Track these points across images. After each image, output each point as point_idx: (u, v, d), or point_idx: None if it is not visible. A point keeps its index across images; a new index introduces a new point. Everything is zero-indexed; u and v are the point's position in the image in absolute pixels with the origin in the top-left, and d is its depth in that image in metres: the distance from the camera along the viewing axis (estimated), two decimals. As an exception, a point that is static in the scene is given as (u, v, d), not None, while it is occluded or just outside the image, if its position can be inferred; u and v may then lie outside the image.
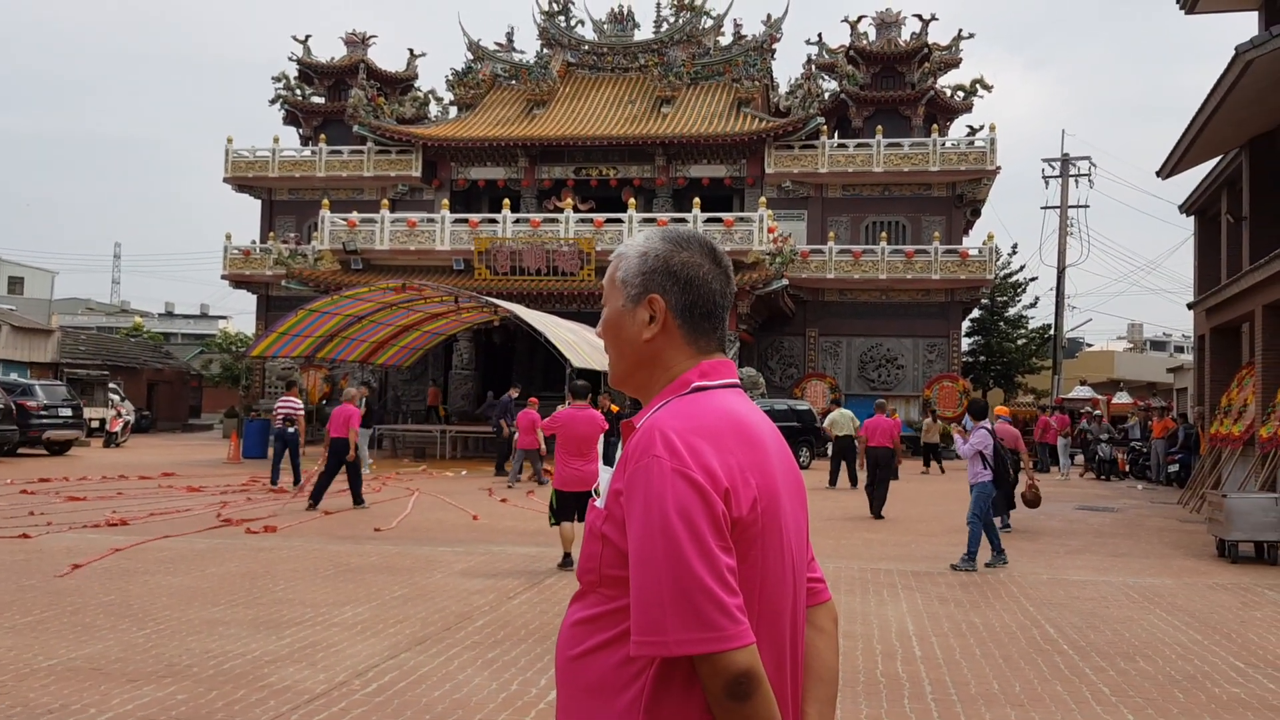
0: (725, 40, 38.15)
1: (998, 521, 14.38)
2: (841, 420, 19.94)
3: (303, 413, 18.25)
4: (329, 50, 42.66)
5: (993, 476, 10.73)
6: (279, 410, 17.91)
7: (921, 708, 5.65)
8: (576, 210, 31.50)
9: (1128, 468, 26.31)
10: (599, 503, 1.69)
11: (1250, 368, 17.90)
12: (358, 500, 15.07)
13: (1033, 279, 46.51)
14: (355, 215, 31.96)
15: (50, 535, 11.24)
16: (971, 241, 36.10)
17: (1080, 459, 29.43)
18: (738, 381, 1.79)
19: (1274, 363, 16.24)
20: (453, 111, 38.69)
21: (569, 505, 9.61)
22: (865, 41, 37.14)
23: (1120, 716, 5.55)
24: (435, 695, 5.63)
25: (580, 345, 23.15)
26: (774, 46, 36.83)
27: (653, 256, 1.79)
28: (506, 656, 6.50)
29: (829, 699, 1.82)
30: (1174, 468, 22.90)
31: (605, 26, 39.01)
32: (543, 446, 18.86)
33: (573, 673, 1.66)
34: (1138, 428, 27.16)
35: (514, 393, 23.00)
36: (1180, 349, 69.81)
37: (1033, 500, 13.50)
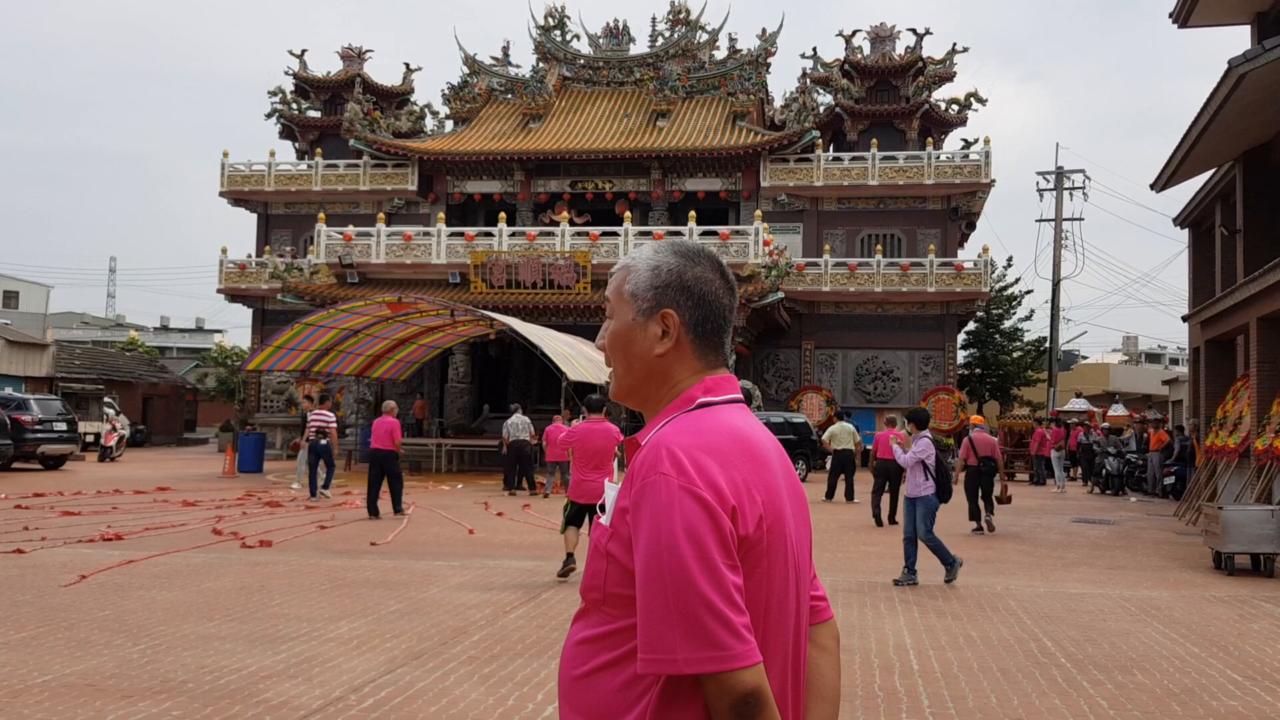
0: (720, 54, 38.27)
1: (970, 525, 15.49)
2: (841, 434, 19.89)
3: (335, 425, 18.79)
4: (325, 65, 42.95)
5: (936, 488, 10.37)
6: (313, 423, 18.49)
7: (919, 722, 5.63)
8: (572, 224, 31.52)
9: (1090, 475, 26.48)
10: (604, 520, 1.68)
11: (1245, 380, 17.93)
12: (380, 508, 15.58)
13: (1028, 292, 46.86)
14: (351, 229, 31.97)
15: (45, 550, 11.20)
16: (966, 254, 36.22)
17: (1075, 470, 29.46)
18: (741, 396, 1.78)
19: (1269, 375, 16.26)
20: (449, 125, 38.79)
21: (583, 516, 9.77)
22: (860, 55, 37.28)
23: (1118, 730, 5.53)
24: (432, 710, 5.61)
25: (576, 358, 23.14)
26: (769, 60, 36.94)
27: (665, 270, 1.77)
28: (503, 671, 6.48)
29: (830, 717, 1.82)
30: (1170, 480, 22.90)
31: (601, 41, 39.12)
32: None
33: (576, 693, 1.65)
34: (1133, 440, 27.18)
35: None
36: (1175, 361, 69.95)
37: (1004, 500, 16.00)
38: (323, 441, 18.20)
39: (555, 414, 22.55)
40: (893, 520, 15.92)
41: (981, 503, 15.41)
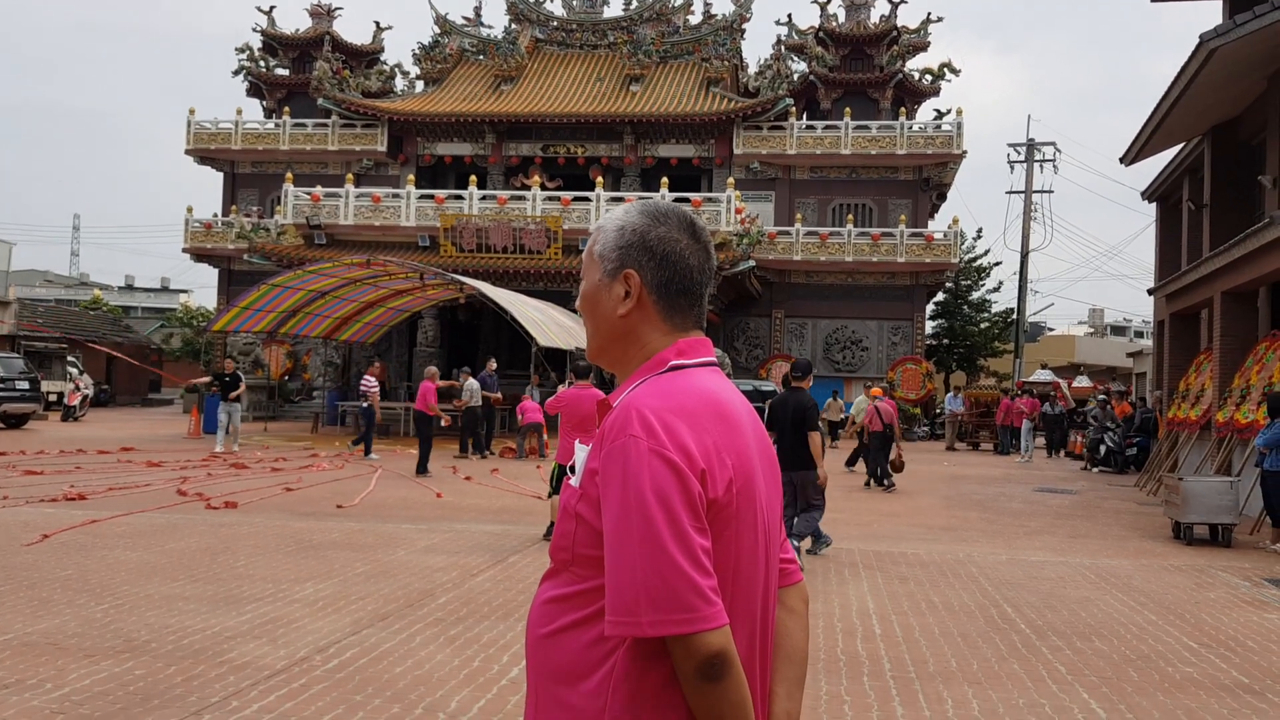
0: (695, 19, 38.02)
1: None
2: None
3: (376, 389, 20.24)
4: (294, 22, 42.46)
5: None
6: (361, 388, 20.29)
7: (880, 685, 5.70)
8: (544, 188, 31.34)
9: (1084, 450, 26.62)
10: (574, 481, 1.68)
11: (1208, 353, 18.16)
12: (422, 469, 16.87)
13: (997, 263, 46.99)
14: (319, 189, 31.64)
15: (7, 509, 11.08)
16: (937, 225, 36.36)
17: (1041, 440, 29.75)
18: (715, 360, 1.78)
19: (1232, 348, 16.46)
20: (419, 86, 38.36)
21: None
22: (835, 23, 37.14)
23: (1075, 695, 5.63)
24: (397, 671, 5.62)
25: (546, 324, 23.10)
26: (744, 26, 36.76)
27: (629, 231, 1.76)
28: (469, 633, 6.49)
29: (798, 679, 1.82)
30: (1132, 451, 23.16)
31: (574, 2, 38.75)
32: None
33: (543, 651, 1.65)
34: (1098, 411, 27.43)
35: (492, 365, 23.14)
36: (1140, 334, 70.73)
37: (899, 467, 17.02)
38: (364, 405, 19.89)
39: (526, 381, 22.65)
40: (880, 482, 17.36)
41: (874, 465, 17.26)
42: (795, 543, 9.36)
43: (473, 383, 21.21)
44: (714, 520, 1.58)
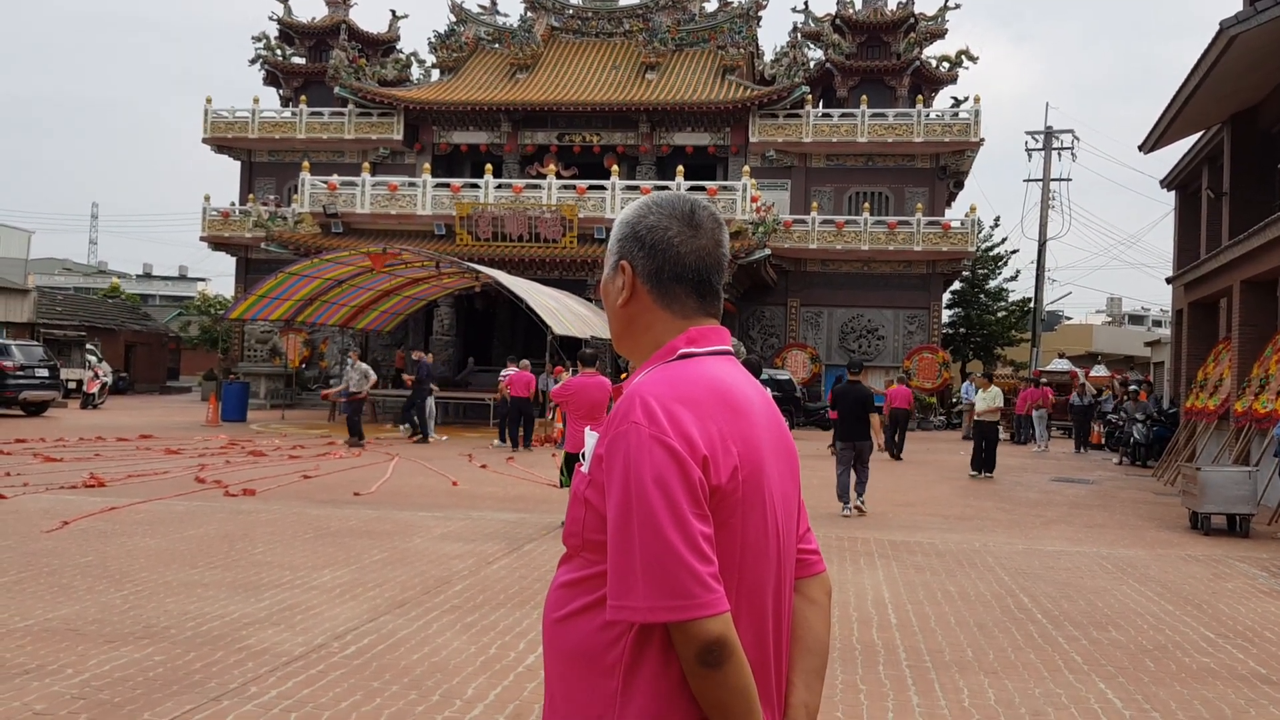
0: (711, 6, 37.88)
1: None
2: (979, 399, 18.72)
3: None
4: (310, 10, 42.43)
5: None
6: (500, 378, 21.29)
7: (896, 675, 5.71)
8: (559, 177, 31.32)
9: (1103, 440, 26.46)
10: (584, 467, 1.69)
11: (1227, 342, 18.05)
12: (526, 444, 19.65)
13: (1014, 252, 46.77)
14: (336, 178, 31.68)
15: (27, 496, 11.18)
16: (954, 213, 36.16)
17: (1054, 430, 29.61)
18: (729, 348, 1.78)
19: (1250, 338, 16.36)
20: (435, 74, 38.36)
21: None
22: (851, 10, 36.94)
23: (1092, 685, 5.62)
24: (414, 658, 5.65)
25: (562, 312, 23.11)
26: (760, 14, 36.60)
27: (624, 223, 1.82)
28: (485, 620, 6.52)
29: (817, 670, 1.82)
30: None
31: (590, -9, 38.64)
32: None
33: (557, 635, 1.67)
34: (1110, 400, 27.27)
35: (425, 356, 23.27)
36: (1158, 323, 70.30)
37: None
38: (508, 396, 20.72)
39: (541, 370, 22.83)
40: (899, 457, 19.39)
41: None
42: (859, 499, 12.26)
43: (362, 366, 20.04)
44: (718, 508, 1.59)
